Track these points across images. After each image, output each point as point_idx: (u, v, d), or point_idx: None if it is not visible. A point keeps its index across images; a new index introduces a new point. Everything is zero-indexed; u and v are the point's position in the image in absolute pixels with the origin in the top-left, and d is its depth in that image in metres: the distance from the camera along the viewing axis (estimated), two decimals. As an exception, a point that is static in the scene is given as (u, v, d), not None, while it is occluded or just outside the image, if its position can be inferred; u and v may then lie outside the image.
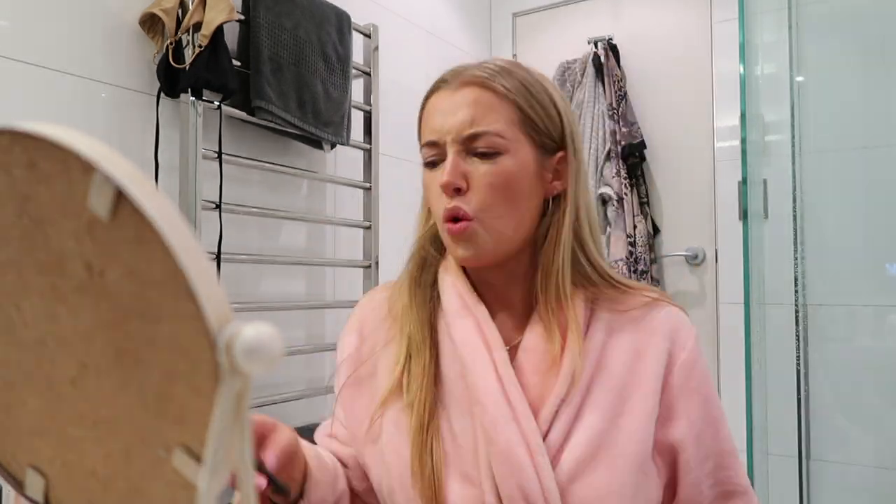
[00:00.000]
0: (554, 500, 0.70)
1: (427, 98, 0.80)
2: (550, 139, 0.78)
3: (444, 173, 0.75)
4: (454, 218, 0.75)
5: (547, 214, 0.79)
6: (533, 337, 0.77)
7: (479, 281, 0.82)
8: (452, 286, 0.81)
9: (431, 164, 0.78)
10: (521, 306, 0.81)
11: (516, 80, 0.76)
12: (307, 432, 1.73)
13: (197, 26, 1.42)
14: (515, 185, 0.75)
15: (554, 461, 0.72)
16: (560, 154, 0.78)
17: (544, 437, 0.73)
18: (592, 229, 0.80)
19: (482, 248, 0.75)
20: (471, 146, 0.75)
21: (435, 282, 0.83)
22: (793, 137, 1.98)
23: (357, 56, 1.94)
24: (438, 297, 0.82)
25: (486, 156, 0.75)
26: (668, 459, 0.77)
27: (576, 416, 0.74)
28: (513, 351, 0.78)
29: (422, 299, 0.82)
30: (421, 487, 0.74)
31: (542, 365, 0.76)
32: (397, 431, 0.77)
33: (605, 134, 2.38)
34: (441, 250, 0.84)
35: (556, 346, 0.76)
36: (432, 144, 0.77)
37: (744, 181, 1.88)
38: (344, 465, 0.83)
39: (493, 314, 0.80)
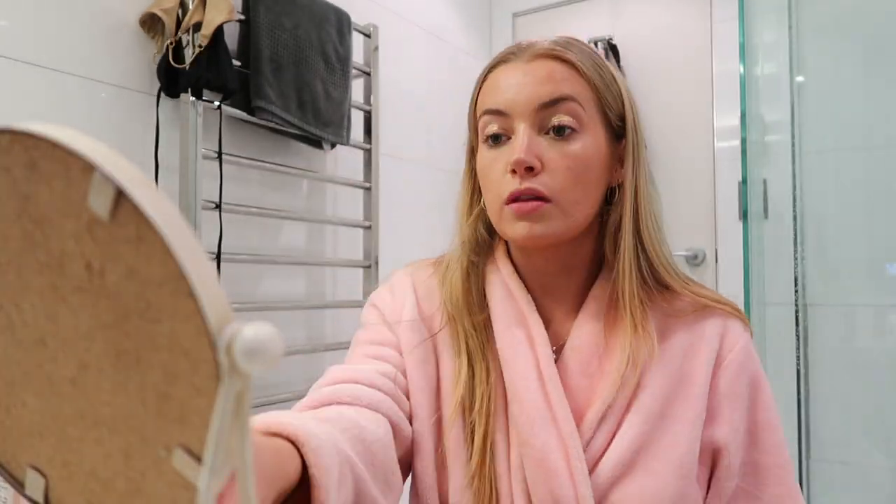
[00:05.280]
0: None
1: (489, 70, 0.73)
2: (621, 121, 0.72)
3: (515, 149, 0.68)
4: (524, 197, 0.68)
5: (612, 204, 0.73)
6: (582, 335, 0.72)
7: (528, 270, 0.76)
8: (498, 273, 0.75)
9: (493, 139, 0.71)
10: (571, 301, 0.75)
11: (588, 57, 0.71)
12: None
13: (197, 26, 1.42)
14: (590, 170, 0.69)
15: (594, 467, 0.68)
16: (625, 140, 0.73)
17: (588, 444, 0.68)
18: (655, 224, 0.73)
19: (552, 229, 0.69)
20: (546, 121, 0.68)
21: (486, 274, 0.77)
22: (793, 137, 1.98)
23: (357, 56, 1.94)
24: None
25: (562, 134, 0.68)
26: (708, 462, 0.72)
27: (620, 421, 0.69)
28: (559, 350, 0.73)
29: (477, 297, 0.75)
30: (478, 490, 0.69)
31: (590, 367, 0.71)
32: (459, 446, 0.71)
33: (605, 134, 2.38)
34: (494, 236, 0.78)
35: (605, 346, 0.71)
36: (496, 113, 0.70)
37: (744, 181, 1.88)
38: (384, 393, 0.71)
39: (540, 307, 0.74)
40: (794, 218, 1.96)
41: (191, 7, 1.42)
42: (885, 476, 1.89)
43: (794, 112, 1.98)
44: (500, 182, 0.70)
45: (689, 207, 2.39)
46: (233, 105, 1.57)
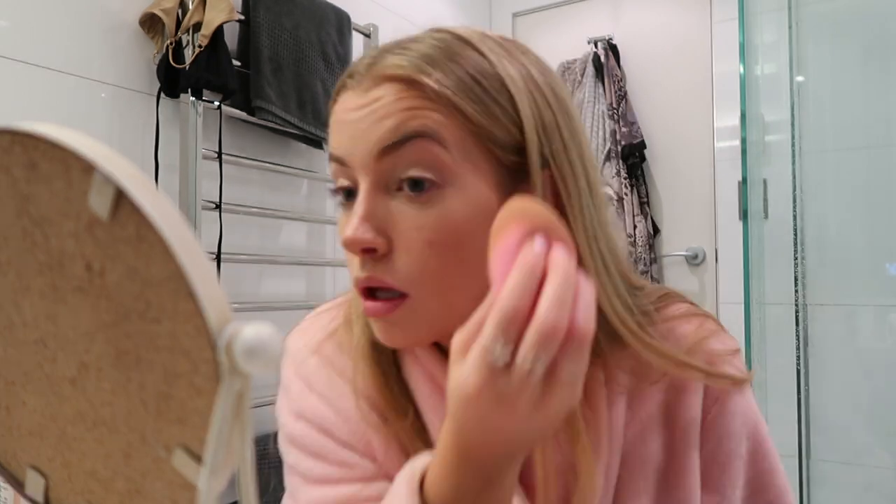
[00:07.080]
0: None
1: (334, 100, 0.53)
2: (517, 155, 0.49)
3: (349, 222, 0.49)
4: (372, 290, 0.50)
5: None
6: None
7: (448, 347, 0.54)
8: (416, 360, 0.56)
9: (344, 195, 0.53)
10: None
11: (459, 68, 0.48)
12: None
13: (197, 26, 1.42)
14: (467, 238, 0.48)
15: None
16: (546, 172, 0.50)
17: None
18: (606, 268, 0.52)
19: (419, 332, 0.51)
20: (395, 174, 0.48)
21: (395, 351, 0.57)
22: (793, 137, 1.97)
23: (357, 56, 1.94)
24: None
25: (419, 189, 0.48)
26: None
27: None
28: None
29: (398, 390, 0.56)
30: None
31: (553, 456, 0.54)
32: None
33: (605, 134, 2.38)
34: None
35: (565, 434, 0.52)
36: (337, 161, 0.51)
37: (744, 181, 1.88)
38: None
39: None
40: (794, 218, 1.96)
41: (191, 7, 1.42)
42: (885, 476, 1.89)
43: (794, 112, 1.98)
44: (351, 259, 0.51)
45: (689, 207, 2.39)
46: (233, 105, 1.57)
